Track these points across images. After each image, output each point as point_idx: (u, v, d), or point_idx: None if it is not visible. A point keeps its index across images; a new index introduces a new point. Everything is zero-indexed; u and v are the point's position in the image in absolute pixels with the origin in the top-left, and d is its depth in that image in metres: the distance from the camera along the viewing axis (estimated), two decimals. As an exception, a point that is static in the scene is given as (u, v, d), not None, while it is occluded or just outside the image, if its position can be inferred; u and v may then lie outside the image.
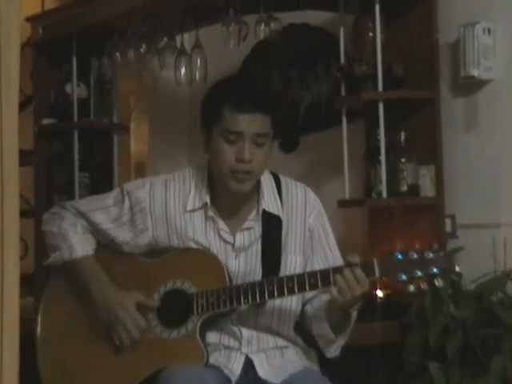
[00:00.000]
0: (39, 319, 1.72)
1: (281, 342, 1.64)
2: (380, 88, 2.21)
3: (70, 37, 2.74)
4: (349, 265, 1.51)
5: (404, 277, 1.49)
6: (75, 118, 2.79)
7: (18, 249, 1.13)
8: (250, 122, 1.55)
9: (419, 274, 1.49)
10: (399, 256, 1.50)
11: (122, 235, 1.65)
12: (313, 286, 1.52)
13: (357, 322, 1.63)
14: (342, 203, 2.30)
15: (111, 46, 2.66)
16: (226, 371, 1.59)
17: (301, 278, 1.53)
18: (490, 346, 1.89)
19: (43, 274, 1.84)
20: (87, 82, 2.85)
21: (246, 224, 1.62)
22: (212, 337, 1.61)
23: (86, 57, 2.83)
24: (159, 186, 1.65)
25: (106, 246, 1.69)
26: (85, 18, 2.65)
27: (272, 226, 1.62)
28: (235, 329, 1.61)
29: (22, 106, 2.88)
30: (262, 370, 1.60)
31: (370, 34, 2.26)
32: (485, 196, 2.21)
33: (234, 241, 1.61)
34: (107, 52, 2.69)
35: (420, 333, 1.97)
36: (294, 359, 1.63)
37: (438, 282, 1.48)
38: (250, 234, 1.62)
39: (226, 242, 1.62)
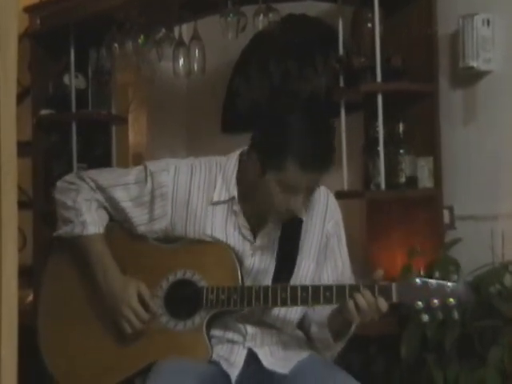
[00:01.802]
0: (41, 297, 1.71)
1: (284, 336, 1.64)
2: (379, 80, 2.21)
3: (68, 28, 2.73)
4: (369, 286, 1.48)
5: (420, 304, 1.47)
6: (73, 110, 2.78)
7: (16, 240, 1.13)
8: (312, 180, 1.49)
9: (436, 303, 1.46)
10: (418, 282, 1.48)
11: (138, 216, 1.60)
12: (327, 300, 1.50)
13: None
14: (341, 195, 2.30)
15: (109, 37, 2.65)
16: (225, 367, 1.57)
17: (316, 290, 1.50)
18: (487, 337, 1.89)
19: (41, 266, 1.84)
20: (85, 73, 2.84)
21: (269, 224, 1.58)
22: (216, 331, 1.59)
23: (84, 48, 2.82)
24: (184, 174, 1.59)
25: (119, 225, 1.64)
26: (83, 8, 2.63)
27: (292, 228, 1.59)
28: (240, 326, 1.60)
29: (20, 97, 2.87)
30: (267, 361, 1.58)
31: (369, 26, 2.25)
32: (483, 187, 2.21)
33: (255, 239, 1.58)
34: (105, 43, 2.68)
35: (418, 325, 1.97)
36: (297, 349, 1.63)
37: (454, 315, 1.47)
38: (270, 233, 1.59)
39: (244, 238, 1.58)
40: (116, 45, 2.64)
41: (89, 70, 2.84)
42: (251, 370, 1.58)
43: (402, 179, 2.22)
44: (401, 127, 2.25)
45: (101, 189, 1.63)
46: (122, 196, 1.61)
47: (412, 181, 2.23)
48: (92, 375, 1.63)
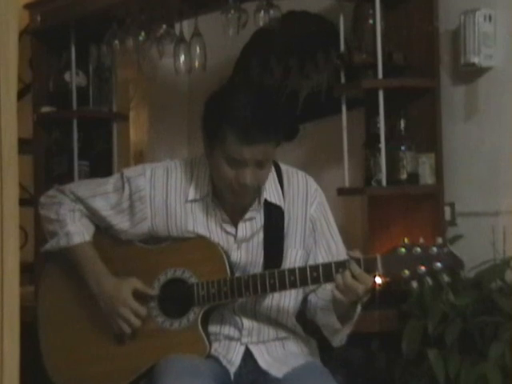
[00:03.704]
0: (39, 306, 1.72)
1: (281, 332, 1.64)
2: (380, 76, 2.20)
3: (69, 24, 2.73)
4: (355, 261, 1.48)
5: (407, 273, 1.47)
6: (74, 107, 2.78)
7: (17, 237, 1.13)
8: (254, 152, 1.50)
9: (423, 269, 1.46)
10: (402, 251, 1.47)
11: (120, 222, 1.63)
12: (315, 281, 1.51)
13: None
14: (342, 191, 2.30)
15: (110, 34, 2.65)
16: (224, 362, 1.58)
17: (303, 271, 1.51)
18: (488, 333, 1.89)
19: (42, 263, 1.85)
20: (86, 71, 2.84)
21: (248, 214, 1.60)
22: (212, 327, 1.60)
23: (84, 45, 2.81)
24: (160, 175, 1.62)
25: (104, 232, 1.68)
26: (83, 5, 2.63)
27: (274, 217, 1.60)
28: (237, 318, 1.61)
29: (21, 94, 2.87)
30: (262, 361, 1.59)
31: (370, 22, 2.25)
32: (484, 184, 2.21)
33: (236, 232, 1.60)
34: (106, 40, 2.68)
35: (419, 320, 1.97)
36: (295, 351, 1.63)
37: (443, 278, 1.46)
38: (252, 224, 1.60)
39: (227, 233, 1.60)
40: (117, 41, 2.64)
41: (89, 67, 2.84)
42: (248, 368, 1.59)
43: (404, 176, 2.22)
44: (402, 123, 2.24)
45: (80, 200, 1.67)
46: (101, 205, 1.65)
47: (413, 177, 2.23)
48: (95, 382, 1.64)
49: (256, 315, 1.62)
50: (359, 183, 2.35)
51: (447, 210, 2.26)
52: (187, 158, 1.68)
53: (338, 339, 1.60)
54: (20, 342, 1.11)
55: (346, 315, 1.56)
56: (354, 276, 1.47)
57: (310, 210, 1.63)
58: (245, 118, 1.48)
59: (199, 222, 1.60)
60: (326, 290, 1.60)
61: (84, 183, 1.77)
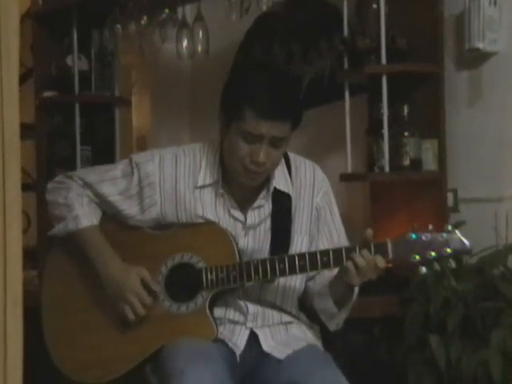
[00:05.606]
0: (42, 291, 1.72)
1: (285, 317, 1.65)
2: (383, 61, 2.19)
3: (71, 8, 2.72)
4: (365, 246, 1.50)
5: (417, 258, 1.48)
6: (76, 91, 2.77)
7: (20, 222, 1.13)
8: (271, 128, 1.51)
9: (433, 255, 1.47)
10: (412, 236, 1.49)
11: (129, 208, 1.63)
12: (325, 265, 1.52)
13: (358, 296, 1.64)
14: (344, 177, 2.30)
15: (112, 19, 2.64)
16: (230, 344, 1.59)
17: (313, 256, 1.52)
18: (490, 319, 1.90)
19: (46, 247, 1.85)
20: (88, 55, 2.82)
21: (257, 202, 1.61)
22: (217, 311, 1.61)
23: (86, 29, 2.80)
24: (169, 161, 1.63)
25: (112, 217, 1.67)
26: (85, -11, 2.62)
27: (282, 205, 1.61)
28: (242, 303, 1.61)
29: (23, 78, 2.85)
30: (266, 344, 1.60)
31: (374, 7, 2.23)
32: (487, 170, 2.21)
33: (245, 219, 1.61)
34: (108, 24, 2.66)
35: (421, 306, 1.98)
36: (298, 335, 1.64)
37: (451, 264, 1.48)
38: (260, 212, 1.61)
39: (236, 219, 1.61)
40: (119, 26, 2.63)
41: (92, 51, 2.83)
42: (252, 353, 1.60)
43: (406, 162, 2.21)
44: (405, 109, 2.24)
45: (88, 185, 1.66)
46: (110, 191, 1.64)
47: (416, 163, 2.23)
48: (100, 366, 1.64)
49: (260, 301, 1.62)
50: (362, 169, 2.34)
51: (450, 196, 2.26)
52: (195, 144, 1.68)
53: (335, 323, 1.62)
54: (23, 327, 1.11)
55: (342, 299, 1.58)
56: (365, 260, 1.49)
57: (316, 199, 1.65)
58: (264, 94, 1.52)
59: (208, 207, 1.60)
60: (324, 276, 1.62)
61: (92, 169, 1.77)
